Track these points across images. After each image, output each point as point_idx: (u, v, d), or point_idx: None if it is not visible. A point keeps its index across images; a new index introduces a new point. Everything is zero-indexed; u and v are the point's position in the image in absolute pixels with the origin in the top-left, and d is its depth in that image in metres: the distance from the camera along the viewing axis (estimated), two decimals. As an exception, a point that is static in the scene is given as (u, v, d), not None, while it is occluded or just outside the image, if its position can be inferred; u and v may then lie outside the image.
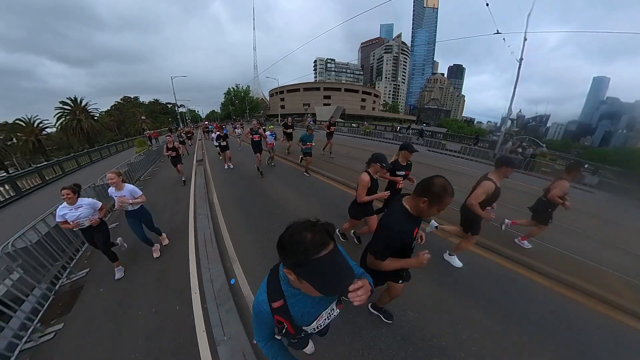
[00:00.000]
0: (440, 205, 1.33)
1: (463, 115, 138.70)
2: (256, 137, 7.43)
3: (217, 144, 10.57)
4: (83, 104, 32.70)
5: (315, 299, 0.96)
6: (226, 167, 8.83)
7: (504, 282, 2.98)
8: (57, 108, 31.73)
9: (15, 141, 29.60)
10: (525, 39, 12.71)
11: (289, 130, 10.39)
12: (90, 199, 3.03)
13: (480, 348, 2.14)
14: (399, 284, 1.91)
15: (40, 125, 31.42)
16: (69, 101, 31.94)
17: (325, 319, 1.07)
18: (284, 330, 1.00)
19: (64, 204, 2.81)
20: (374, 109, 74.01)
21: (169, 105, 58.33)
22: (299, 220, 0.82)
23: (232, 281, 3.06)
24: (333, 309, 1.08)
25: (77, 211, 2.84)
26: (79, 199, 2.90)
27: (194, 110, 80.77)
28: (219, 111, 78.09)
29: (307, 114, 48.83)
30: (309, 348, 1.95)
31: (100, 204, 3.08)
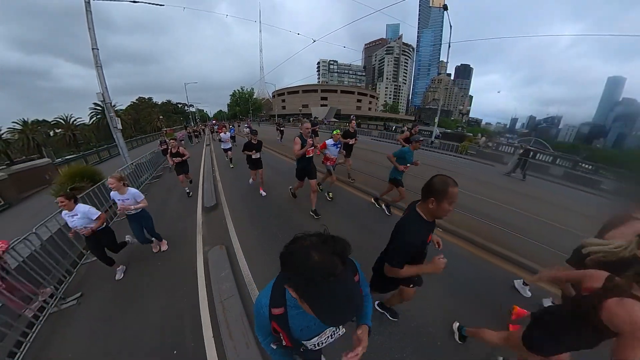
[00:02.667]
0: (448, 197, 1.32)
1: (470, 116, 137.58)
2: (310, 152, 4.25)
3: (228, 147, 9.63)
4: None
5: None
6: (263, 193, 5.88)
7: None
8: (90, 108, 38.63)
9: (45, 136, 36.25)
10: (449, 46, 16.44)
11: (351, 142, 6.32)
12: (87, 207, 2.82)
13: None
14: (411, 288, 1.92)
15: (75, 122, 38.00)
16: (100, 102, 38.45)
17: (328, 337, 1.00)
18: (281, 342, 0.94)
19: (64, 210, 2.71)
20: (370, 109, 77.46)
21: (179, 105, 64.45)
22: (307, 233, 0.76)
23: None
24: (339, 328, 1.00)
25: (72, 219, 2.72)
26: (77, 205, 2.75)
27: (202, 110, 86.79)
28: (227, 111, 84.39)
29: (300, 114, 50.28)
30: None
31: (98, 213, 2.87)
